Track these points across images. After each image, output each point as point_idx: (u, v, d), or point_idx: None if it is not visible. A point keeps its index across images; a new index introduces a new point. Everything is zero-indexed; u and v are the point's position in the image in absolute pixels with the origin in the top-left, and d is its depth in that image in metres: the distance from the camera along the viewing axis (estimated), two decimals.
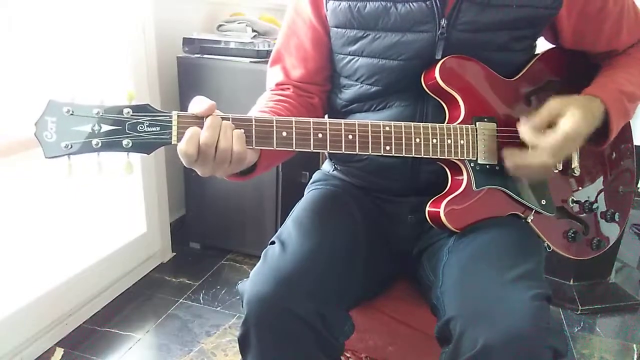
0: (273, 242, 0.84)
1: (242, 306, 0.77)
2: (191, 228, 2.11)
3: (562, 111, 0.79)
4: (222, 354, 1.52)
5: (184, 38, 1.87)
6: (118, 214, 1.77)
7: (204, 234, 2.11)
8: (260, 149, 0.78)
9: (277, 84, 0.97)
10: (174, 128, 0.69)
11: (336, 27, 0.89)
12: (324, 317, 0.76)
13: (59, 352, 1.48)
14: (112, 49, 1.61)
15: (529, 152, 0.80)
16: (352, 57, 0.89)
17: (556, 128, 0.78)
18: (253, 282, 0.77)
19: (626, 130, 1.00)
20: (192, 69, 1.85)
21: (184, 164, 0.71)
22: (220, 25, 1.96)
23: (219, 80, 1.82)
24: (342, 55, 0.91)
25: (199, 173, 0.73)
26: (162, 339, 1.58)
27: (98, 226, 1.68)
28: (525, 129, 0.80)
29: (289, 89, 0.95)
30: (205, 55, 1.85)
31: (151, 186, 1.86)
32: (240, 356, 0.81)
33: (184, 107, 0.72)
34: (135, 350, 1.52)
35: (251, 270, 0.80)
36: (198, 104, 0.71)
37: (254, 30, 1.91)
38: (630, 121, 0.99)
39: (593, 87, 0.86)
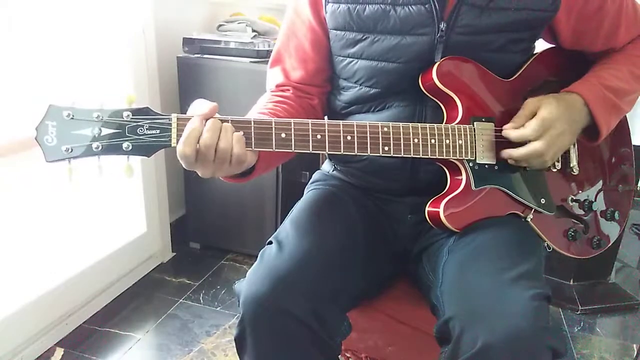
0: (270, 242, 0.84)
1: (239, 306, 0.77)
2: (191, 228, 2.11)
3: (537, 106, 0.83)
4: (222, 354, 1.52)
5: (184, 38, 1.87)
6: (118, 214, 1.77)
7: (204, 234, 2.11)
8: (259, 151, 0.78)
9: (277, 85, 0.97)
10: (174, 130, 0.69)
11: (335, 29, 0.89)
12: (320, 317, 0.75)
13: (59, 352, 1.48)
14: (113, 49, 1.61)
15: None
16: (351, 59, 0.90)
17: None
18: (249, 282, 0.77)
19: (625, 130, 1.00)
20: (192, 69, 1.85)
21: (184, 167, 0.71)
22: (220, 25, 1.96)
23: (219, 80, 1.82)
24: (341, 58, 0.91)
25: (199, 174, 0.73)
26: (162, 339, 1.58)
27: (98, 226, 1.68)
28: (508, 130, 0.83)
29: (288, 90, 0.95)
30: (205, 55, 1.85)
31: (151, 186, 1.86)
32: None
33: (184, 107, 0.72)
34: (135, 350, 1.52)
35: None
36: (199, 106, 0.71)
37: (253, 30, 1.91)
38: (629, 121, 0.99)
39: (573, 84, 0.87)
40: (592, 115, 0.85)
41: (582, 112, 0.84)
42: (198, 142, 0.69)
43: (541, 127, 0.80)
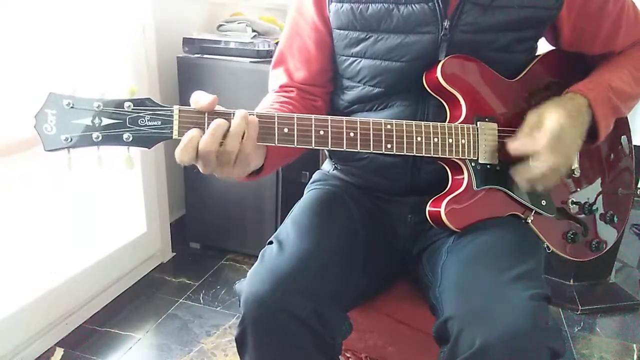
0: (271, 242, 0.84)
1: (240, 306, 0.77)
2: (191, 228, 2.11)
3: (540, 118, 0.80)
4: (222, 354, 1.52)
5: (184, 38, 1.87)
6: (118, 213, 1.77)
7: (204, 234, 2.11)
8: (267, 152, 0.79)
9: (280, 86, 0.96)
10: (175, 123, 0.69)
11: (338, 28, 0.89)
12: (321, 317, 0.75)
13: (59, 352, 1.48)
14: (113, 49, 1.61)
15: (532, 162, 0.80)
16: (355, 58, 0.89)
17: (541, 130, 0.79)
18: (250, 282, 0.76)
19: (625, 132, 1.00)
20: (192, 69, 1.85)
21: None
22: (220, 25, 1.96)
23: (219, 80, 1.82)
24: (345, 57, 0.91)
25: (200, 170, 0.72)
26: (162, 339, 1.57)
27: (98, 226, 1.68)
28: (515, 144, 0.81)
29: (292, 91, 0.95)
30: (205, 55, 1.85)
31: (151, 186, 1.86)
32: None
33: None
34: (135, 350, 1.52)
35: None
36: (198, 98, 0.70)
37: (254, 30, 1.91)
38: (630, 122, 0.99)
39: (577, 84, 0.86)
40: (594, 117, 0.84)
41: (586, 115, 0.83)
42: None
43: (551, 140, 0.78)
